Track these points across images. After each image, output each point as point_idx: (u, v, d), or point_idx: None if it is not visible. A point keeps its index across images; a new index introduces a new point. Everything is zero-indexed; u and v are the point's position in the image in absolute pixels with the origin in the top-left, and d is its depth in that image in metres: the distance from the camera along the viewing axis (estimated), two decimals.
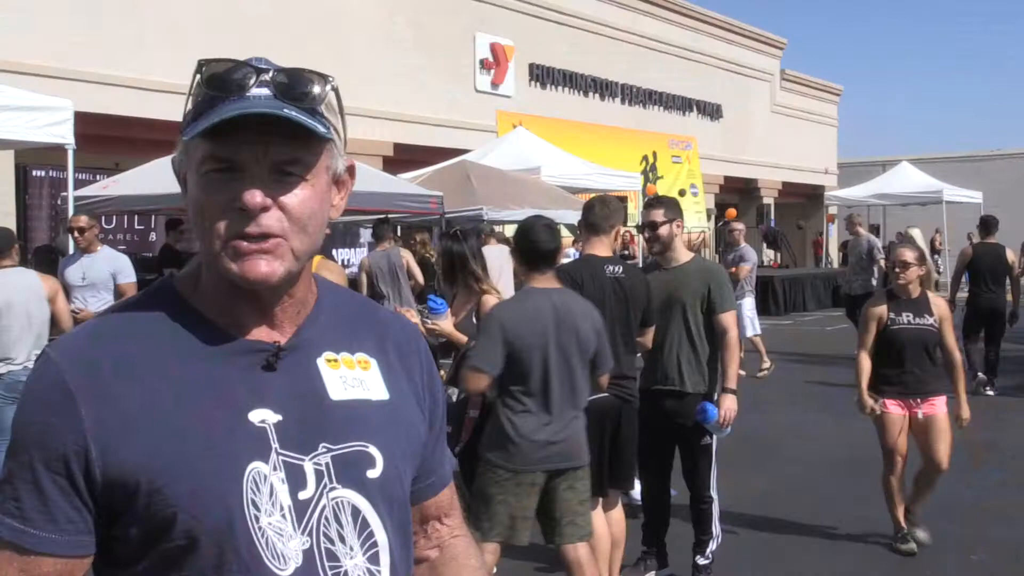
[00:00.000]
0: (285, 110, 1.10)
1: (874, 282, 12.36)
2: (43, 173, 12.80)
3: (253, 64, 1.13)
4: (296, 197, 1.14)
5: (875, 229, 27.20)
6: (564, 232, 15.49)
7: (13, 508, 1.10)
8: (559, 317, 3.73)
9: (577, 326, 3.75)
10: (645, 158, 24.75)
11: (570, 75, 22.63)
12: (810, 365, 12.64)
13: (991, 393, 10.13)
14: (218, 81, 1.12)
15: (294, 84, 1.13)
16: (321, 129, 1.13)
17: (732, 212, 22.07)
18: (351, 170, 1.24)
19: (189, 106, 1.15)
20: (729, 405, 4.52)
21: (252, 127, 1.10)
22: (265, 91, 1.12)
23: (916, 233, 12.49)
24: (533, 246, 3.84)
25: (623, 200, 13.23)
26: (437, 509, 1.42)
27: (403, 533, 1.25)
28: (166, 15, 14.01)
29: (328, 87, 1.16)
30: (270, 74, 1.13)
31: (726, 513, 5.00)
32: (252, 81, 1.12)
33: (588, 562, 3.85)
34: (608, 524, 4.36)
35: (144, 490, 1.09)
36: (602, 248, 4.44)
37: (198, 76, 1.13)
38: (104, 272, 6.99)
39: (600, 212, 4.46)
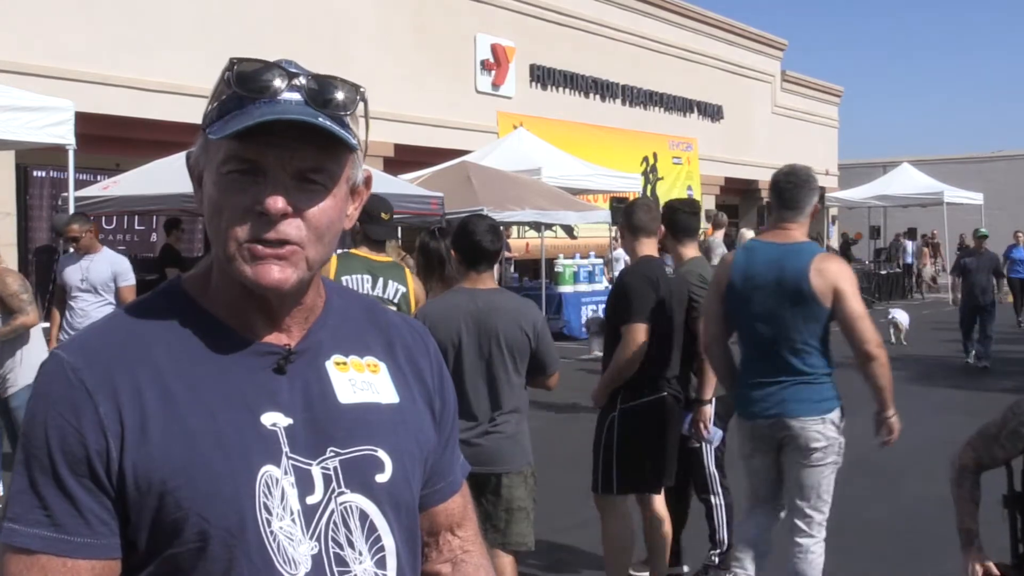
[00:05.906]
0: (320, 119, 1.09)
1: None
2: (44, 173, 12.79)
3: (284, 67, 1.11)
4: (317, 206, 1.12)
5: (876, 231, 27.24)
6: (556, 234, 15.52)
7: (42, 516, 1.06)
8: (478, 318, 3.59)
9: (499, 327, 3.59)
10: (645, 159, 24.76)
11: (571, 76, 22.63)
12: None
13: None
14: (249, 81, 1.10)
15: (324, 91, 1.12)
16: (352, 141, 1.12)
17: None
18: (368, 181, 1.24)
19: (213, 103, 1.13)
20: (699, 417, 4.49)
21: (281, 131, 1.08)
22: (296, 96, 1.10)
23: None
24: (477, 245, 3.67)
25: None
26: (448, 518, 1.38)
27: (410, 538, 1.23)
28: (166, 15, 14.01)
29: (357, 96, 1.14)
30: (301, 79, 1.11)
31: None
32: (284, 84, 1.10)
33: (507, 573, 3.68)
34: (658, 523, 4.38)
35: (156, 491, 1.07)
36: (653, 249, 4.43)
37: (227, 74, 1.11)
38: (105, 274, 6.84)
39: (648, 214, 4.42)
